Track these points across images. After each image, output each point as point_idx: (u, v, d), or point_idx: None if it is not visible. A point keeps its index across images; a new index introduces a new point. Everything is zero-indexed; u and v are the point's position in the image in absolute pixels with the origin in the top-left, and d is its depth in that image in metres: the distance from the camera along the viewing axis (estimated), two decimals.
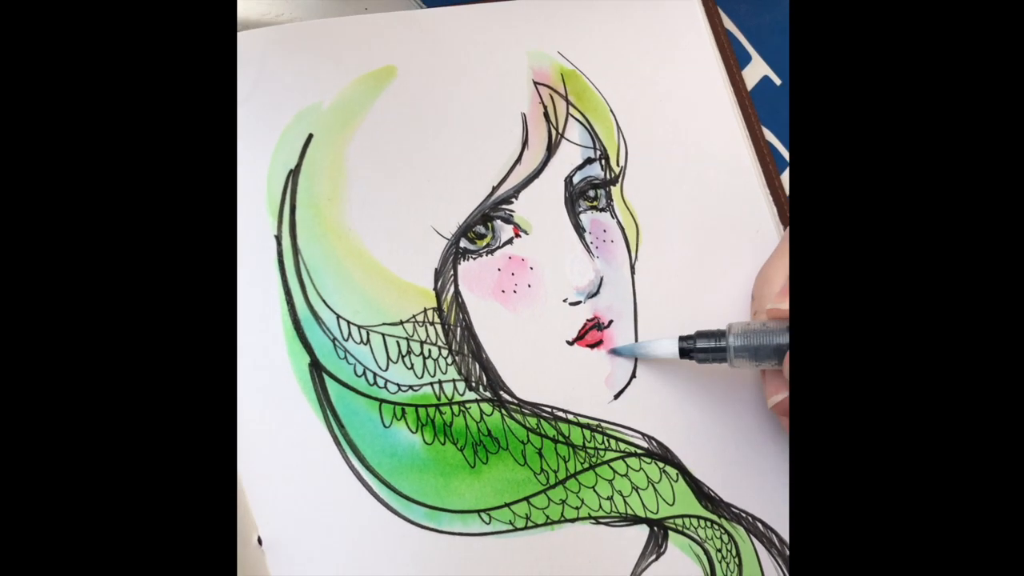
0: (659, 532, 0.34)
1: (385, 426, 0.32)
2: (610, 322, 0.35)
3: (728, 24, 0.43)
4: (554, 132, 0.37)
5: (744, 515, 0.35)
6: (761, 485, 0.36)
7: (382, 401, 0.32)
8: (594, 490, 0.34)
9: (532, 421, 0.33)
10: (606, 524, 0.33)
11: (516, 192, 0.36)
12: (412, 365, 0.32)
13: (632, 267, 0.37)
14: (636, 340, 0.36)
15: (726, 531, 0.35)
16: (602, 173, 0.37)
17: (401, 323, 0.33)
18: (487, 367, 0.33)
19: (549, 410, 0.34)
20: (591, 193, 0.37)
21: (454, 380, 0.33)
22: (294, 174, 0.33)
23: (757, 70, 0.43)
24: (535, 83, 0.37)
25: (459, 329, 0.33)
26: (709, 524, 0.35)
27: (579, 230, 0.36)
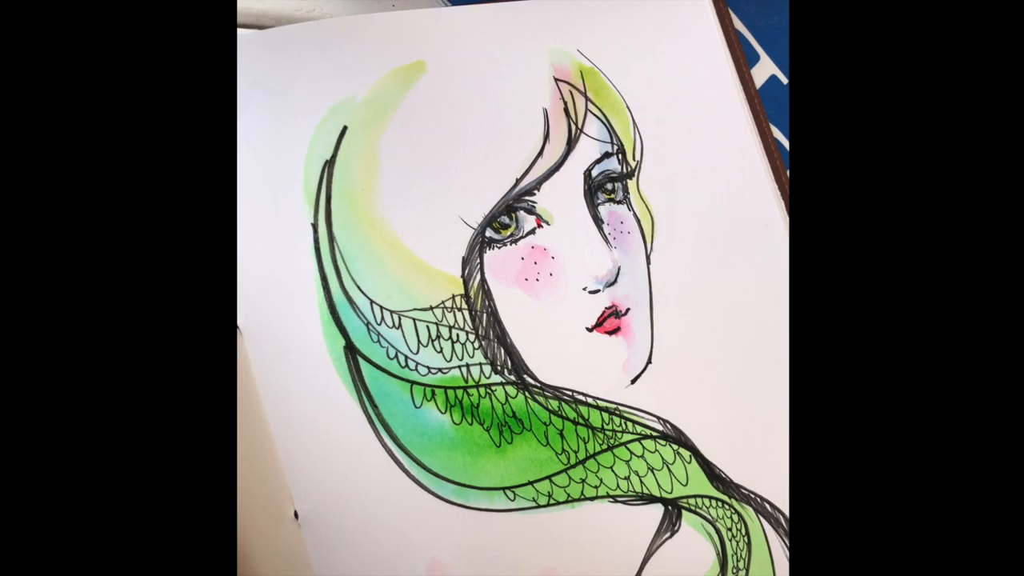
0: (673, 511, 0.35)
1: (416, 406, 0.33)
2: (627, 310, 0.37)
3: (738, 24, 0.44)
4: (574, 127, 0.38)
5: (753, 496, 0.36)
6: (769, 468, 0.37)
7: (413, 383, 0.33)
8: (612, 470, 0.35)
9: (554, 404, 0.35)
10: (623, 503, 0.35)
11: (538, 184, 0.37)
12: (441, 349, 0.34)
13: (648, 257, 0.38)
14: (652, 328, 0.37)
15: (736, 511, 0.36)
16: (619, 167, 0.39)
17: (431, 308, 0.34)
18: (511, 351, 0.35)
19: (570, 393, 0.35)
20: (609, 186, 0.38)
21: (480, 363, 0.34)
22: (329, 165, 0.35)
23: (765, 69, 0.44)
24: (556, 80, 0.39)
25: (485, 315, 0.35)
26: (720, 504, 0.36)
27: (598, 221, 0.37)
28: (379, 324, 0.33)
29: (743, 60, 0.43)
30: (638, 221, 0.38)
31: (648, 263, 0.38)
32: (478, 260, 0.35)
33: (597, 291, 0.37)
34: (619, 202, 0.38)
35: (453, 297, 0.35)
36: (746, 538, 0.36)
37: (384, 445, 0.32)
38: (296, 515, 0.32)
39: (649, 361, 0.37)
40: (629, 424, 0.36)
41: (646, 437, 0.36)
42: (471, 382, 0.34)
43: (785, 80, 0.44)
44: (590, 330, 0.36)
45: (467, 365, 0.34)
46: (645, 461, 0.35)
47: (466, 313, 0.34)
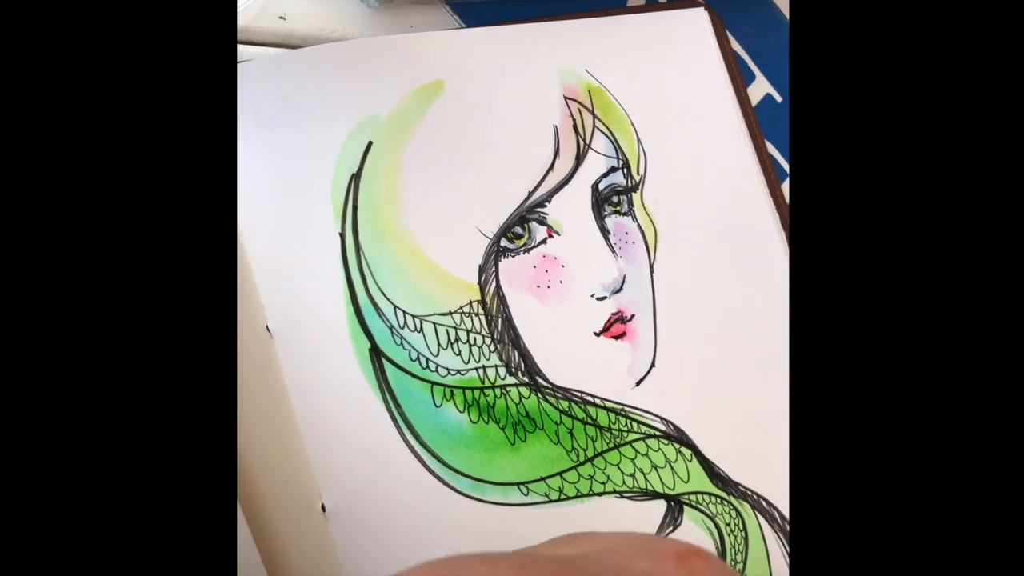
0: (675, 507, 0.37)
1: (436, 406, 0.35)
2: (632, 316, 0.39)
3: (735, 46, 0.46)
4: (582, 143, 0.40)
5: (750, 493, 0.38)
6: (765, 467, 0.38)
7: (433, 383, 0.35)
8: (618, 467, 0.37)
9: (564, 404, 0.37)
10: (629, 498, 0.36)
11: (549, 197, 0.39)
12: (460, 351, 0.36)
13: (651, 266, 0.40)
14: (655, 333, 0.39)
15: (734, 507, 0.38)
16: (624, 181, 0.41)
17: (450, 313, 0.36)
18: (525, 354, 0.37)
19: (579, 394, 0.37)
20: (615, 199, 0.40)
21: (496, 366, 0.36)
22: (356, 178, 0.36)
23: (760, 88, 0.46)
24: (565, 98, 0.41)
25: (500, 320, 0.37)
26: (719, 501, 0.38)
27: (604, 232, 0.39)
28: (402, 328, 0.35)
29: (740, 79, 0.45)
30: (642, 232, 0.40)
31: (651, 272, 0.40)
32: (493, 268, 0.37)
33: (604, 298, 0.38)
34: (624, 214, 0.40)
35: (470, 303, 0.36)
36: (743, 532, 0.38)
37: (406, 442, 0.34)
38: (323, 508, 0.33)
39: (653, 365, 0.38)
40: (634, 424, 0.37)
41: (650, 436, 0.37)
42: (487, 383, 0.36)
43: (779, 98, 0.46)
44: (597, 335, 0.38)
45: (483, 367, 0.36)
46: (649, 459, 0.37)
47: (482, 318, 0.36)
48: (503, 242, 0.38)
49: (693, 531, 0.37)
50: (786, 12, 0.48)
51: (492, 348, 0.36)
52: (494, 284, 0.37)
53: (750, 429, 0.39)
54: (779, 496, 0.39)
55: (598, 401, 0.37)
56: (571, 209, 0.39)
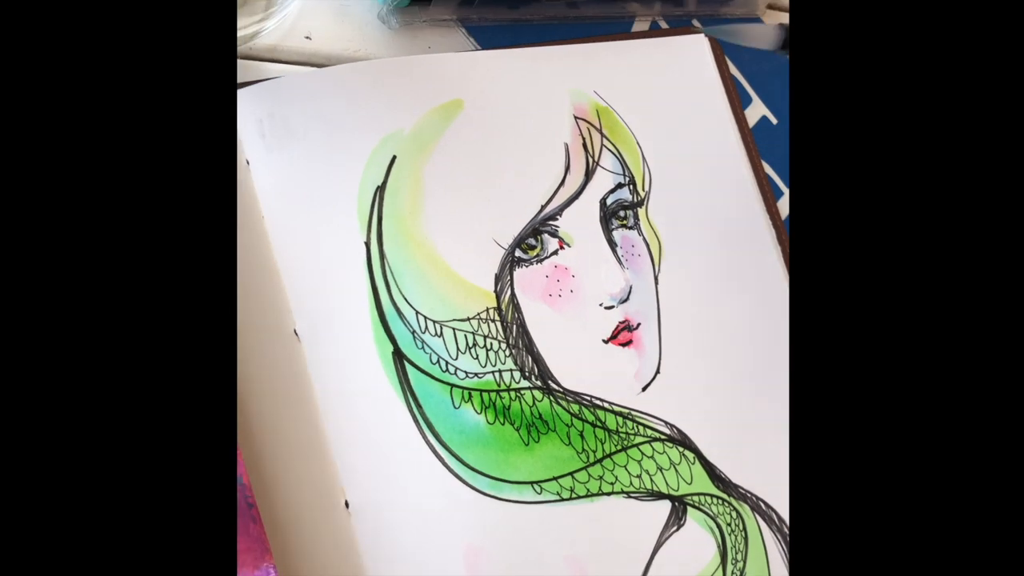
0: (679, 507, 0.38)
1: (455, 407, 0.36)
2: (638, 324, 0.40)
3: (733, 70, 0.48)
4: (591, 161, 0.42)
5: (750, 495, 0.40)
6: (765, 470, 0.40)
7: (453, 386, 0.37)
8: (625, 469, 0.38)
9: (575, 407, 0.38)
10: (636, 498, 0.38)
11: (560, 210, 0.41)
12: (477, 356, 0.37)
13: (656, 278, 0.42)
14: (660, 341, 0.41)
15: (735, 508, 0.39)
16: (630, 196, 0.43)
17: (468, 320, 0.38)
18: (538, 359, 0.38)
19: (588, 398, 0.39)
20: (621, 213, 0.42)
21: (511, 370, 0.38)
22: (380, 190, 0.38)
23: (757, 110, 0.48)
24: (575, 118, 0.43)
25: (515, 326, 0.38)
26: (721, 502, 0.39)
27: (612, 245, 0.41)
28: (423, 332, 0.37)
29: (738, 102, 0.47)
30: (647, 245, 0.42)
31: (656, 283, 0.42)
32: (509, 277, 0.39)
33: (612, 307, 0.40)
34: (630, 228, 0.42)
35: (487, 310, 0.38)
36: (743, 533, 0.39)
37: (427, 441, 0.36)
38: (347, 504, 0.35)
39: (658, 371, 0.40)
40: (640, 428, 0.39)
41: (655, 440, 0.39)
42: (503, 386, 0.37)
43: (775, 120, 0.48)
44: (606, 342, 0.40)
45: (499, 371, 0.37)
46: (654, 461, 0.38)
47: (498, 324, 0.38)
48: (517, 252, 0.39)
49: (696, 530, 0.38)
50: None
51: (507, 353, 0.38)
52: (509, 292, 0.39)
53: (750, 434, 0.40)
54: (777, 498, 0.40)
55: (606, 405, 0.39)
56: (581, 222, 0.41)
